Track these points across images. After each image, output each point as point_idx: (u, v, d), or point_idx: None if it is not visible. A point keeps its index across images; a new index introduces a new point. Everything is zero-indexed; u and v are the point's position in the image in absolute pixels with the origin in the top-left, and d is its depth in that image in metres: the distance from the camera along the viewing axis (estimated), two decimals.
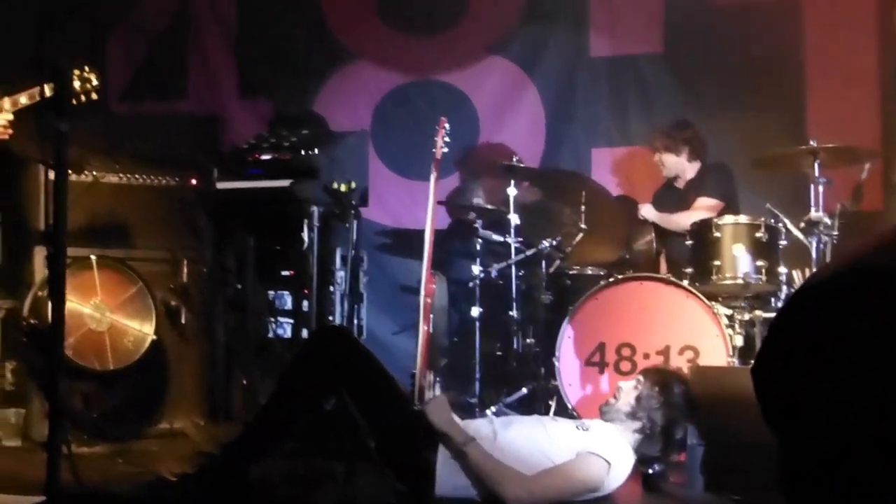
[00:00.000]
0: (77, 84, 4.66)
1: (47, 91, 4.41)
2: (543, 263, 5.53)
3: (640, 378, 3.92)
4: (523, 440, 3.65)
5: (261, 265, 5.65)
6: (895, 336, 0.98)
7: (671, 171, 5.88)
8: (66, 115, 3.04)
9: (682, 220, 5.46)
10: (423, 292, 4.36)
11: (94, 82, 4.72)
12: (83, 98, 4.69)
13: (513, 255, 5.53)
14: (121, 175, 5.64)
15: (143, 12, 7.21)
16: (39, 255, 5.30)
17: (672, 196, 5.85)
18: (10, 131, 4.75)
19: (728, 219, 5.06)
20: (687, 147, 5.78)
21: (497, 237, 5.64)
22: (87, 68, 4.71)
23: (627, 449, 3.75)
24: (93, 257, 5.37)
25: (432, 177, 4.73)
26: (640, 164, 6.27)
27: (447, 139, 4.88)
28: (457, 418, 3.72)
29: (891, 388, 0.97)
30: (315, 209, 5.35)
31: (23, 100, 4.66)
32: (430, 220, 4.54)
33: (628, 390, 3.87)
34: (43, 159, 5.15)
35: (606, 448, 3.63)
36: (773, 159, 5.33)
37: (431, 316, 4.30)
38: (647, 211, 5.76)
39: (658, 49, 6.45)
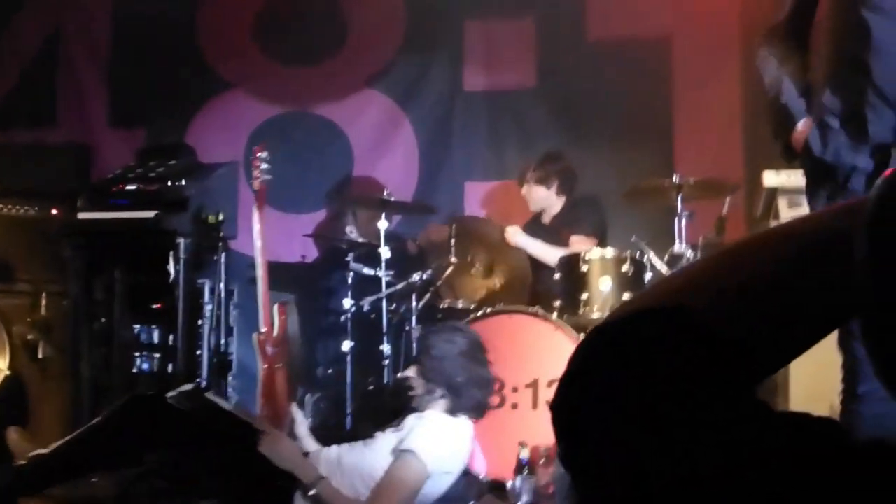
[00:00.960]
0: None
1: None
2: (414, 297, 5.51)
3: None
4: (357, 461, 3.69)
5: (128, 298, 5.50)
6: (654, 385, 0.98)
7: (538, 204, 5.86)
8: None
9: (552, 255, 5.49)
10: (260, 326, 4.35)
11: None
12: None
13: (384, 289, 5.50)
14: None
15: (12, 37, 7.02)
16: None
17: (539, 231, 5.84)
18: None
19: (595, 252, 5.13)
20: (557, 180, 5.80)
21: (368, 270, 5.60)
22: None
23: (442, 424, 3.79)
24: None
25: (254, 208, 4.68)
26: (514, 198, 6.31)
27: (265, 166, 4.81)
28: (313, 444, 3.70)
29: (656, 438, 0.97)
30: (182, 241, 5.23)
31: None
32: (259, 254, 4.54)
33: (413, 371, 3.94)
34: None
35: (413, 438, 3.65)
36: (640, 192, 5.43)
37: (287, 348, 4.26)
38: (516, 234, 5.69)
39: (531, 83, 6.53)
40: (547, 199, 5.83)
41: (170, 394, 3.69)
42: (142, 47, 6.93)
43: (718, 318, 1.00)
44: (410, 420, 3.85)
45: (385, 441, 3.77)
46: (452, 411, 3.85)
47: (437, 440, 3.72)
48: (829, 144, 2.77)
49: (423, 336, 4.05)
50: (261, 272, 4.49)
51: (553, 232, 5.77)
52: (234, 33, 6.93)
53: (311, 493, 3.46)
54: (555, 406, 1.09)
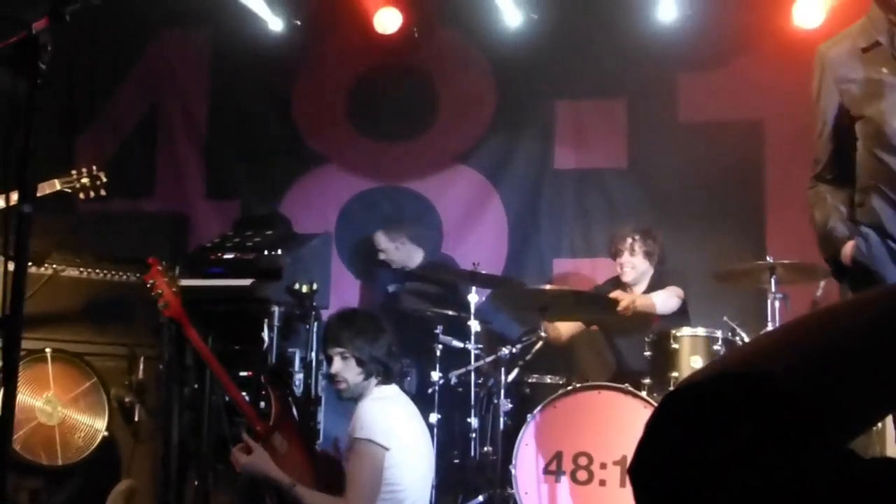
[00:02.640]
0: (86, 181, 5.00)
1: (56, 185, 4.65)
2: (503, 370, 5.51)
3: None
4: None
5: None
6: (753, 446, 1.00)
7: (634, 275, 5.81)
8: (30, 199, 3.04)
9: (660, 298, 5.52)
10: None
11: (103, 179, 5.05)
12: (91, 194, 5.04)
13: (472, 362, 5.51)
14: (81, 269, 5.62)
15: (114, 112, 7.28)
16: None
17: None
18: None
19: (686, 331, 5.11)
20: (657, 256, 5.81)
21: (457, 343, 5.63)
22: (94, 168, 5.05)
23: (373, 404, 4.03)
24: (48, 350, 5.32)
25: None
26: (600, 276, 6.32)
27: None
28: None
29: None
30: (276, 309, 5.33)
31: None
32: None
33: (337, 360, 4.08)
34: (4, 250, 5.18)
35: (356, 429, 3.94)
36: (732, 274, 5.41)
37: None
38: (637, 297, 5.66)
39: (622, 163, 6.57)
40: (645, 273, 5.82)
41: None
42: (238, 122, 7.14)
43: (800, 383, 1.01)
44: (353, 414, 4.09)
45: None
46: (386, 382, 4.14)
47: (376, 418, 3.98)
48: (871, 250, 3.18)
49: (358, 331, 4.14)
50: None
51: None
52: (327, 109, 7.11)
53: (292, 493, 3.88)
54: (634, 469, 1.10)
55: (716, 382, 1.02)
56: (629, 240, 5.78)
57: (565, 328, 5.91)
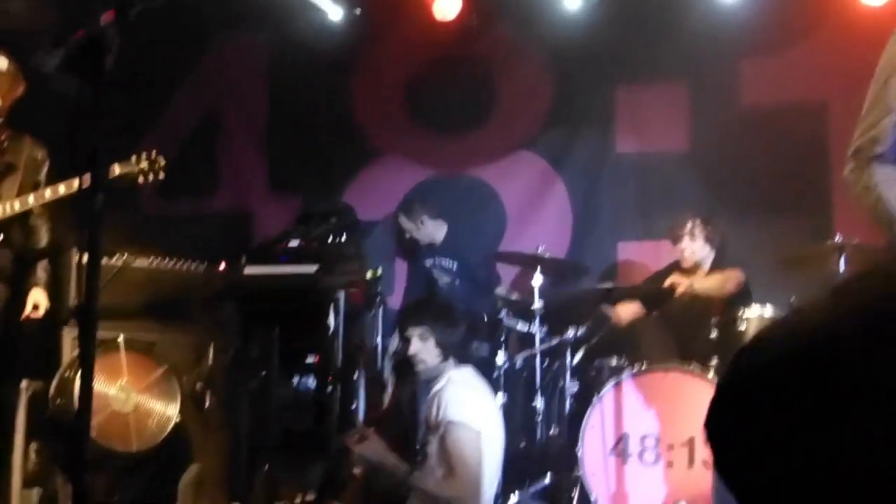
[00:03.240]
0: (144, 165, 4.98)
1: (116, 170, 4.69)
2: (568, 353, 5.52)
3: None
4: None
5: (286, 351, 5.65)
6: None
7: (695, 259, 5.78)
8: (101, 191, 3.11)
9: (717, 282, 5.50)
10: None
11: (161, 162, 5.03)
12: (149, 178, 5.02)
13: (537, 345, 5.52)
14: (151, 259, 5.73)
15: (174, 114, 7.40)
16: (67, 336, 5.36)
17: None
18: None
19: (754, 311, 5.06)
20: (715, 241, 5.78)
21: (522, 326, 5.64)
22: (154, 152, 5.05)
23: (464, 385, 4.02)
24: (120, 339, 5.42)
25: None
26: (664, 258, 6.29)
27: None
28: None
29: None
30: (342, 293, 5.38)
31: (61, 189, 4.82)
32: None
33: (416, 340, 4.06)
34: (78, 242, 5.31)
35: (448, 412, 3.91)
36: (800, 257, 5.35)
37: None
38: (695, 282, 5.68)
39: (684, 147, 6.53)
40: (706, 258, 5.79)
41: None
42: (297, 117, 7.21)
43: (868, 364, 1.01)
44: (445, 386, 4.04)
45: None
46: (462, 362, 4.14)
47: (464, 401, 3.97)
48: None
49: (435, 312, 4.17)
50: None
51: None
52: (386, 101, 7.16)
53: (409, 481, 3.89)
54: (709, 421, 1.12)
55: (788, 354, 1.03)
56: (689, 224, 5.76)
57: (626, 313, 5.88)
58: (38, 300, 5.02)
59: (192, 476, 4.97)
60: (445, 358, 4.10)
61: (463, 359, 4.18)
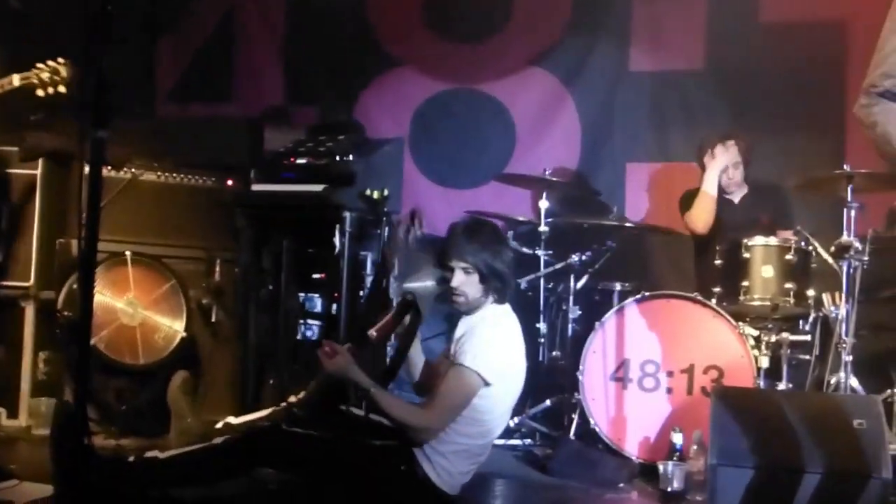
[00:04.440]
0: (45, 75, 4.55)
1: (15, 81, 4.47)
2: (572, 277, 5.54)
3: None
4: None
5: (294, 268, 5.68)
6: None
7: (727, 163, 5.57)
8: (105, 121, 3.10)
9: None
10: None
11: (63, 73, 4.56)
12: (49, 90, 4.57)
13: (542, 268, 5.54)
14: (159, 173, 5.74)
15: (191, 17, 7.33)
16: (77, 248, 5.41)
17: (728, 208, 5.63)
18: None
19: (758, 240, 5.05)
20: (748, 155, 5.63)
21: (527, 249, 5.65)
22: (61, 60, 4.57)
23: (491, 337, 3.87)
24: (128, 253, 5.48)
25: None
26: (677, 181, 6.23)
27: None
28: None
29: None
30: (348, 214, 5.38)
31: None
32: None
33: (459, 273, 3.91)
34: (81, 156, 5.30)
35: (466, 354, 3.79)
36: (809, 182, 5.27)
37: None
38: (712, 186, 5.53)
39: (699, 65, 6.42)
40: (738, 170, 5.62)
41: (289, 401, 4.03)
42: (314, 26, 7.13)
43: None
44: (468, 330, 3.94)
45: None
46: (501, 301, 3.99)
47: (490, 354, 3.83)
48: None
49: (483, 244, 3.93)
50: None
51: (750, 216, 5.54)
52: (403, 11, 7.06)
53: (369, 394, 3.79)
54: None
55: None
56: (722, 145, 5.58)
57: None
58: None
59: (178, 383, 4.99)
60: (487, 293, 3.94)
61: (503, 296, 3.99)
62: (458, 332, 3.97)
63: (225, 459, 3.72)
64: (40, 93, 4.57)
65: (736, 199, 5.69)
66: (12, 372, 5.39)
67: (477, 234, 3.96)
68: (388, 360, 4.42)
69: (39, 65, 4.56)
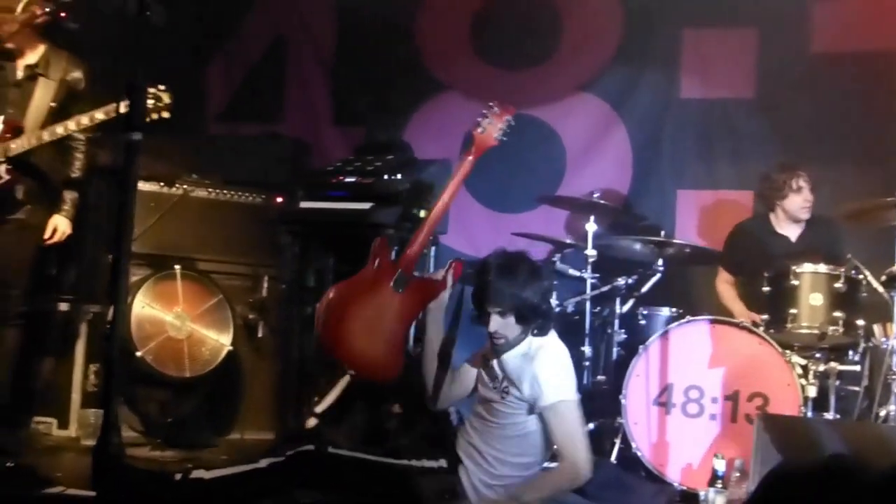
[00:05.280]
0: (150, 101, 4.65)
1: (122, 108, 4.56)
2: (618, 301, 5.51)
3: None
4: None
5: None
6: None
7: (802, 212, 5.54)
8: (137, 127, 3.16)
9: None
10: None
11: (165, 101, 4.72)
12: (153, 116, 4.68)
13: (588, 291, 5.52)
14: (209, 190, 5.81)
15: (242, 38, 7.44)
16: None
17: (783, 245, 5.55)
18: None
19: (807, 267, 4.98)
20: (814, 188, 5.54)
21: (574, 272, 5.64)
22: (161, 87, 4.72)
23: (556, 358, 3.87)
24: (177, 268, 5.54)
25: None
26: (726, 209, 6.23)
27: None
28: None
29: None
30: (393, 234, 5.41)
31: (98, 115, 4.75)
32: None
33: (495, 318, 3.80)
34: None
35: (549, 394, 3.76)
36: (860, 211, 5.22)
37: None
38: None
39: (749, 94, 6.40)
40: (808, 209, 5.55)
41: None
42: (363, 50, 7.19)
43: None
44: (516, 365, 3.86)
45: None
46: (542, 333, 3.91)
47: (563, 375, 3.85)
48: None
49: (517, 282, 3.78)
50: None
51: (800, 250, 5.42)
52: (451, 37, 7.10)
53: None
54: None
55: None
56: (804, 175, 5.50)
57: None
58: (57, 225, 4.94)
59: None
60: (526, 332, 3.86)
61: (544, 329, 3.91)
62: (510, 369, 3.88)
63: (268, 481, 3.69)
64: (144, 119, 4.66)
65: (793, 236, 5.60)
66: (64, 384, 5.46)
67: (510, 273, 3.80)
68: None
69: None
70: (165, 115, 4.71)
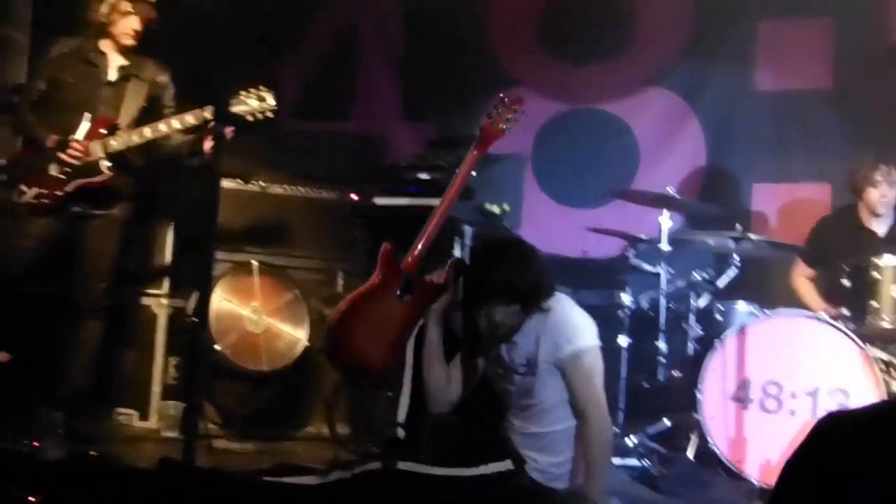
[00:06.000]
0: (254, 103, 4.81)
1: (207, 114, 4.66)
2: (694, 295, 5.47)
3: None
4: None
5: None
6: None
7: (881, 203, 5.42)
8: (224, 121, 3.22)
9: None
10: None
11: (269, 101, 4.85)
12: (259, 116, 4.83)
13: (663, 286, 5.49)
14: (285, 186, 5.88)
15: (314, 36, 7.50)
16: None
17: (871, 241, 5.40)
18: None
19: (889, 260, 4.89)
20: None
21: (648, 267, 5.60)
22: (262, 87, 4.85)
23: (569, 309, 3.80)
24: (254, 262, 5.61)
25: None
26: (803, 202, 6.15)
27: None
28: None
29: None
30: (467, 229, 5.43)
31: (189, 119, 4.85)
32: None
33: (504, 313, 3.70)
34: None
35: (573, 338, 3.70)
36: None
37: None
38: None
39: (827, 85, 6.30)
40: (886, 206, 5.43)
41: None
42: (433, 45, 7.21)
43: None
44: (542, 326, 3.76)
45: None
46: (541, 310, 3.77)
47: (581, 317, 3.79)
48: None
49: (510, 270, 3.68)
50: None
51: (888, 247, 5.19)
52: (520, 31, 7.09)
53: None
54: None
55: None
56: (883, 168, 5.38)
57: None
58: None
59: None
60: (529, 313, 3.74)
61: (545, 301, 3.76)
62: (520, 345, 3.78)
63: (335, 497, 3.62)
64: (250, 118, 4.81)
65: (881, 230, 5.48)
66: (145, 376, 5.57)
67: (506, 259, 3.74)
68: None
69: (243, 93, 4.80)
70: (270, 115, 4.84)
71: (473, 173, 4.93)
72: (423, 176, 5.65)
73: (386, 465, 3.63)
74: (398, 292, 4.44)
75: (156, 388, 5.56)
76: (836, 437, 1.59)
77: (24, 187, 4.81)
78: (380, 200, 5.70)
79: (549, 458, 3.82)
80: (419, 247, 4.61)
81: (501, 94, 4.88)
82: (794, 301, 5.52)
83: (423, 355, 4.02)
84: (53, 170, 4.81)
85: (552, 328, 3.74)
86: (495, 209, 5.48)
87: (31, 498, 3.16)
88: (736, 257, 5.39)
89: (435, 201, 5.37)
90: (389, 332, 4.32)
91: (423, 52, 7.29)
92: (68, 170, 4.80)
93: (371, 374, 4.48)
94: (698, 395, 4.98)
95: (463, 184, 4.78)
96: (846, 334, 4.79)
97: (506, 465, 3.75)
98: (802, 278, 5.62)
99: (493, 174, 5.65)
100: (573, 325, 3.76)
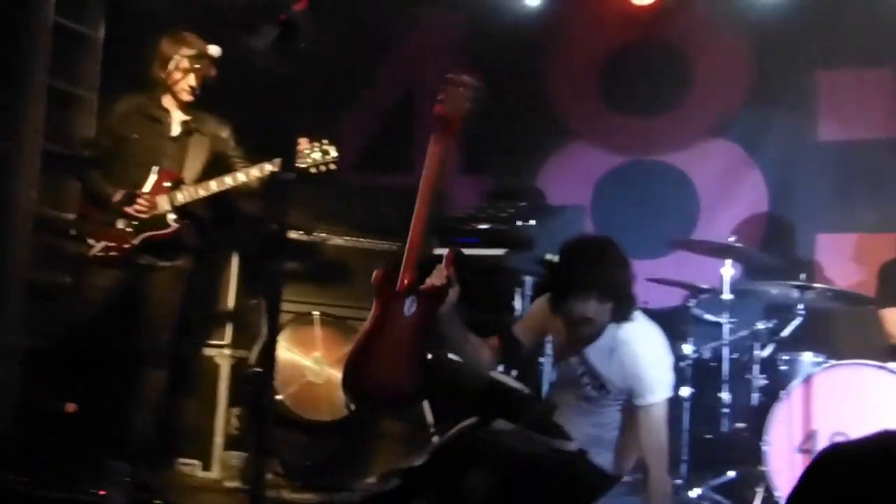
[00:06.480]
0: (318, 155, 4.91)
1: (272, 167, 4.74)
2: (758, 345, 5.40)
3: None
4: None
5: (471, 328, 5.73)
6: None
7: None
8: (290, 169, 3.27)
9: None
10: None
11: (332, 154, 4.96)
12: (322, 168, 4.93)
13: (726, 336, 5.43)
14: (346, 238, 5.93)
15: (375, 89, 7.60)
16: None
17: None
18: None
19: None
20: None
21: (710, 316, 5.55)
22: (325, 141, 4.95)
23: (648, 348, 3.76)
24: (315, 313, 5.66)
25: None
26: (869, 253, 6.07)
27: None
28: None
29: None
30: (528, 279, 5.43)
31: (254, 172, 4.94)
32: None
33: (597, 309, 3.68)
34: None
35: (647, 390, 3.66)
36: None
37: None
38: None
39: (891, 134, 6.24)
40: None
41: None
42: (492, 98, 7.24)
43: None
44: (615, 360, 3.73)
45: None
46: (627, 319, 3.74)
47: (663, 367, 3.74)
48: None
49: (592, 258, 3.76)
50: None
51: None
52: (579, 85, 7.12)
53: None
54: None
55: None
56: None
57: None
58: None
59: None
60: (614, 318, 3.72)
61: (627, 314, 3.73)
62: (595, 362, 3.77)
63: None
64: (313, 171, 4.92)
65: None
66: (207, 426, 5.61)
67: (603, 255, 3.79)
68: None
69: (305, 145, 4.89)
70: (333, 167, 4.93)
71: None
72: (482, 226, 5.68)
73: None
74: (403, 311, 4.38)
75: (218, 439, 5.60)
76: (837, 466, 1.61)
77: (91, 241, 4.92)
78: (439, 251, 5.71)
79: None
80: (406, 257, 4.52)
81: (447, 75, 4.77)
82: (861, 351, 5.42)
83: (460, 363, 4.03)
84: (121, 223, 4.91)
85: (633, 355, 3.71)
86: (556, 260, 5.47)
87: None
88: (800, 306, 5.32)
89: (495, 251, 5.43)
90: (404, 353, 4.28)
91: (482, 105, 7.33)
92: (135, 223, 4.90)
93: (398, 399, 4.43)
94: (764, 447, 4.91)
95: (433, 178, 4.70)
96: None
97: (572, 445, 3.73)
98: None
99: (553, 225, 5.66)
100: (653, 374, 3.71)
